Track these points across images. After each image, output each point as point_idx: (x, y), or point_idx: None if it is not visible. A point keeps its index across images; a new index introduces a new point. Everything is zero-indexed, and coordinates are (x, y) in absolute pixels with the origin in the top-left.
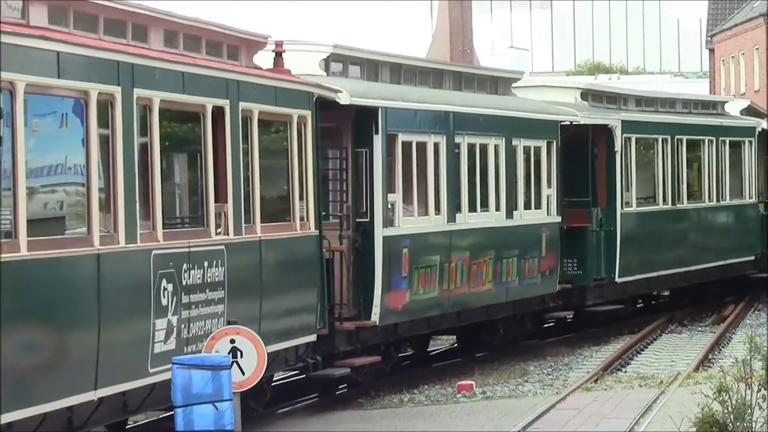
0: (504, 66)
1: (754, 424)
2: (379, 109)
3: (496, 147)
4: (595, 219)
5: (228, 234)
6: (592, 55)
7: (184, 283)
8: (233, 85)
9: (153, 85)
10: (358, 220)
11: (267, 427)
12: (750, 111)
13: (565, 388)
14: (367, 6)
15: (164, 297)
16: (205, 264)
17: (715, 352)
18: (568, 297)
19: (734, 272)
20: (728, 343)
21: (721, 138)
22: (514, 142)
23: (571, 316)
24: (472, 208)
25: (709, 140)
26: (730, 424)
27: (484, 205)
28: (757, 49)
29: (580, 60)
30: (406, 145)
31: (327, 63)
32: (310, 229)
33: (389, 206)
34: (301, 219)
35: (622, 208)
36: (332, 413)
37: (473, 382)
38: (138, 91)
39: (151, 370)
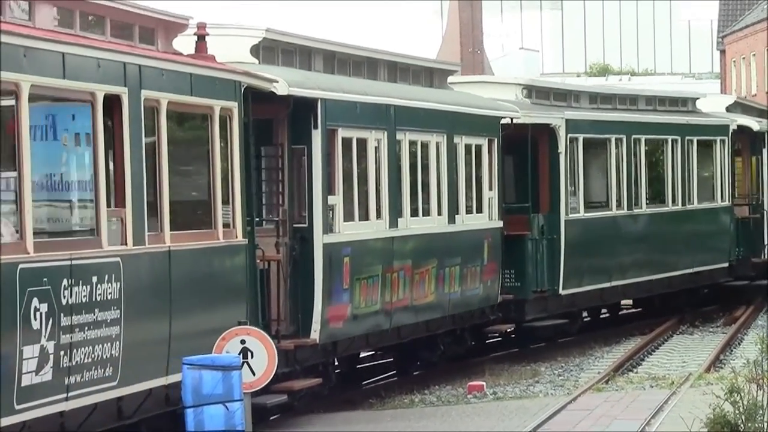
0: (516, 68)
1: (765, 425)
2: (319, 101)
3: (437, 144)
4: (536, 226)
5: (126, 244)
6: (602, 57)
7: (64, 302)
8: (133, 69)
9: (20, 68)
10: (295, 225)
11: (276, 428)
12: (737, 107)
13: (576, 389)
14: (378, 7)
15: (35, 319)
16: (94, 280)
17: (727, 353)
18: (508, 310)
19: (705, 281)
20: (740, 344)
21: (687, 137)
22: (456, 139)
23: (511, 329)
24: (414, 212)
25: (673, 140)
26: (742, 425)
27: (426, 208)
28: None
29: (591, 61)
30: (347, 142)
31: (259, 49)
32: (236, 237)
33: (329, 210)
34: (226, 226)
35: (566, 214)
36: (342, 413)
37: (484, 383)
38: (5, 75)
39: (17, 407)
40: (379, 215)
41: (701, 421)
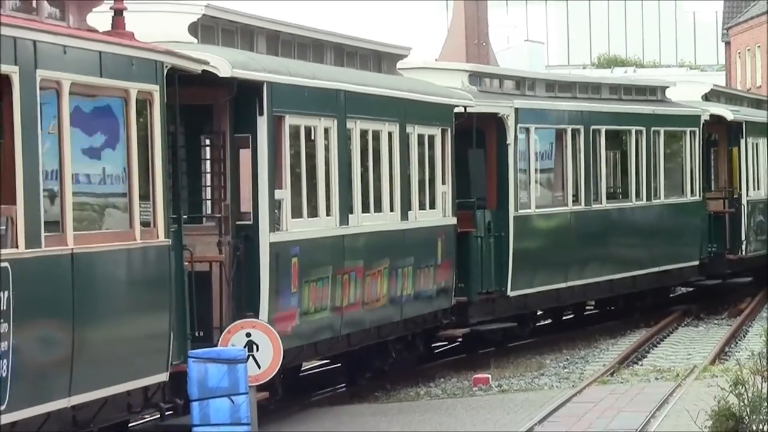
0: (521, 60)
1: None
2: (265, 85)
3: (390, 134)
4: (482, 223)
5: (17, 246)
6: (608, 49)
7: None
8: (25, 46)
9: None
10: (239, 222)
11: (282, 421)
12: (716, 95)
13: (581, 382)
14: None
15: None
16: None
17: (732, 346)
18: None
19: (674, 280)
20: (744, 336)
21: (654, 128)
22: (408, 128)
23: (461, 335)
24: (366, 207)
25: (637, 131)
26: (746, 417)
27: (378, 204)
28: None
29: (596, 53)
30: (294, 130)
31: (198, 28)
32: (157, 237)
33: (276, 206)
34: (145, 225)
35: (516, 210)
36: (348, 406)
37: (489, 376)
38: None
39: None
40: (329, 211)
41: (706, 414)
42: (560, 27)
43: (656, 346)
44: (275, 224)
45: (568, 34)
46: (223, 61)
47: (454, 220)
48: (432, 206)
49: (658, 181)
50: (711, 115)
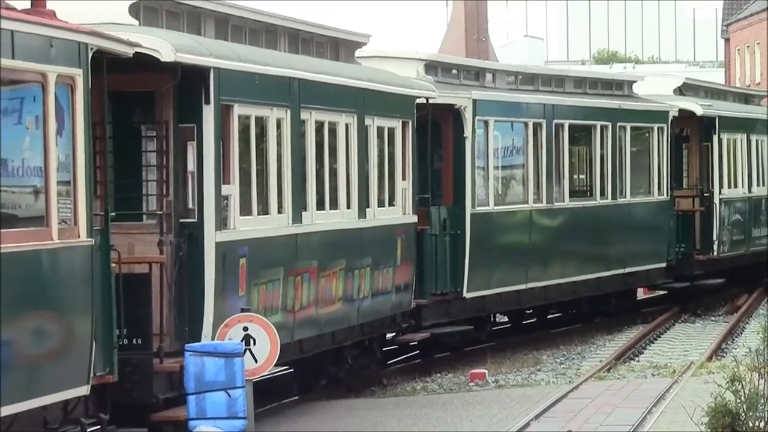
0: (520, 56)
1: (766, 414)
2: (212, 71)
3: (347, 126)
4: (437, 220)
5: None
6: (607, 45)
7: None
8: None
9: None
10: (182, 220)
11: (278, 414)
12: (691, 89)
13: (577, 377)
14: None
15: None
16: None
17: (729, 342)
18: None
19: (641, 282)
20: (741, 333)
21: (620, 123)
22: (367, 120)
23: (419, 340)
24: (320, 204)
25: (602, 126)
26: (743, 414)
27: (334, 201)
28: None
29: (595, 49)
30: (244, 120)
31: (139, 9)
32: (78, 236)
33: (223, 202)
34: (64, 223)
35: (473, 207)
36: (345, 400)
37: (486, 371)
38: None
39: None
40: (280, 209)
41: (703, 410)
42: (560, 23)
43: (653, 343)
44: (222, 222)
45: (567, 30)
46: (166, 45)
47: (414, 218)
48: (391, 203)
49: (624, 178)
50: (681, 110)
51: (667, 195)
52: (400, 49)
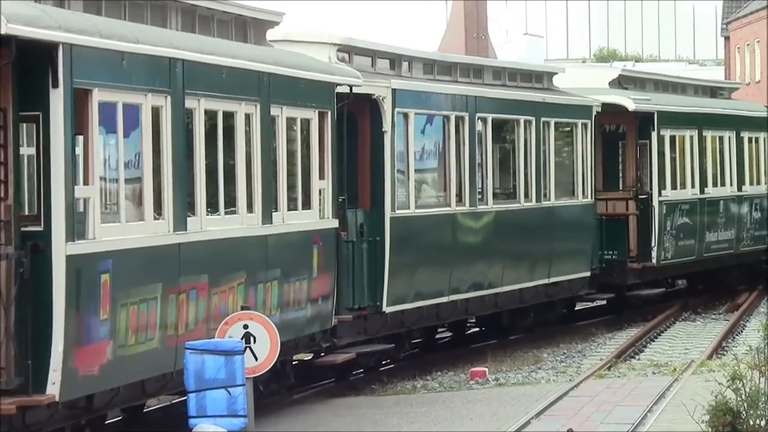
0: (520, 54)
1: (767, 412)
2: (61, 48)
3: (248, 117)
4: (353, 225)
5: None
6: (606, 42)
7: None
8: None
9: None
10: (24, 228)
11: (279, 412)
12: (632, 82)
13: (578, 375)
14: None
15: None
16: None
17: (729, 340)
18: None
19: (564, 293)
20: (742, 331)
21: (543, 119)
22: (274, 110)
23: (338, 362)
24: (213, 208)
25: (526, 121)
26: (744, 412)
27: (231, 203)
28: None
29: (595, 48)
30: (108, 108)
31: None
32: None
33: (79, 206)
34: None
35: (393, 210)
36: (345, 399)
37: (486, 369)
38: None
39: None
40: (159, 213)
41: (703, 408)
42: (560, 21)
43: (653, 341)
44: (76, 231)
45: (567, 28)
46: None
47: (334, 223)
48: (306, 206)
49: (548, 179)
50: (610, 105)
51: (592, 198)
52: (310, 31)
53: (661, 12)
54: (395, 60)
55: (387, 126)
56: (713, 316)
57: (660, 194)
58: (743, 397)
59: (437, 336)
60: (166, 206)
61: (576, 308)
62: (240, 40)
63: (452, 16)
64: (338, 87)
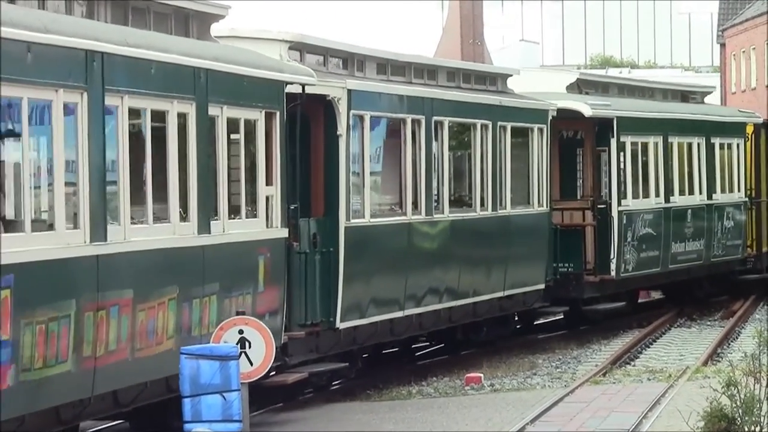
0: (515, 61)
1: (762, 418)
2: None
3: (183, 117)
4: (306, 235)
5: None
6: (602, 49)
7: None
8: None
9: None
10: None
11: (274, 418)
12: (592, 86)
13: (573, 381)
14: None
15: None
16: None
17: (724, 347)
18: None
19: (517, 306)
20: (737, 338)
21: (500, 123)
22: (213, 110)
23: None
24: (139, 215)
25: (483, 125)
26: (739, 419)
27: (161, 211)
28: None
29: (591, 54)
30: (13, 105)
31: None
32: None
33: None
34: None
35: (348, 219)
36: (340, 404)
37: (482, 375)
38: None
39: None
40: (73, 222)
41: (698, 415)
42: (555, 27)
43: (649, 347)
44: None
45: (563, 34)
46: None
47: (284, 233)
48: (252, 214)
49: (504, 186)
50: (564, 110)
51: (547, 206)
52: (259, 28)
53: (657, 18)
54: (348, 59)
55: (342, 129)
56: (708, 323)
57: (620, 204)
58: (738, 403)
59: (384, 351)
60: (82, 215)
61: (535, 323)
62: (181, 35)
63: (448, 22)
64: (289, 86)
